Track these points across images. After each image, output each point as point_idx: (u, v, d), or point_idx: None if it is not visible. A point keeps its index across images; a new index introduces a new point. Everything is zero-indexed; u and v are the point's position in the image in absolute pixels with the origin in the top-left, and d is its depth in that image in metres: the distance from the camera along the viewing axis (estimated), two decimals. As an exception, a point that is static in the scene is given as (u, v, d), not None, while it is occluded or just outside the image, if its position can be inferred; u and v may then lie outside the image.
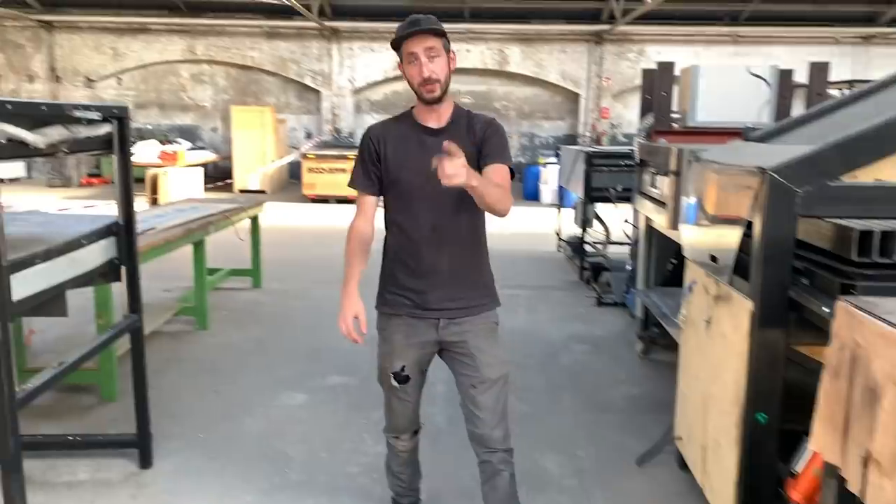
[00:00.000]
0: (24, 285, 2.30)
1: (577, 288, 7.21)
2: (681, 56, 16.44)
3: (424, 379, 2.60)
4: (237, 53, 17.21)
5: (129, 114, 3.02)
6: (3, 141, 2.21)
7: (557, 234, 9.03)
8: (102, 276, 2.95)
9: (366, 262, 2.51)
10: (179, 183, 12.17)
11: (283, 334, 5.47)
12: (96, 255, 2.83)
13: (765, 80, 5.15)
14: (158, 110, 17.73)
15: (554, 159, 15.34)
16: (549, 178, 14.57)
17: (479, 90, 17.74)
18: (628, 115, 17.61)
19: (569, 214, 8.73)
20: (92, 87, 17.45)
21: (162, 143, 15.06)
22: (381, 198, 2.48)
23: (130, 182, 3.07)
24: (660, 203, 4.24)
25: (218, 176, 16.81)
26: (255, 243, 6.81)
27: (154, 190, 11.57)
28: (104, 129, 2.87)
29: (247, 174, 14.87)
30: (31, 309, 2.47)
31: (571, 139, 17.47)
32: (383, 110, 17.10)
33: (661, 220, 4.23)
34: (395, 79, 16.96)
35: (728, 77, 5.26)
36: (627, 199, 6.86)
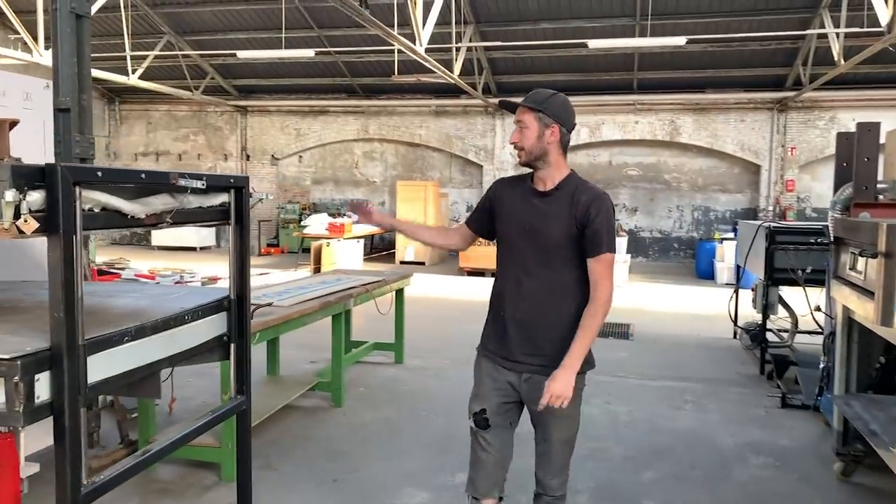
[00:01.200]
0: (108, 364, 2.12)
1: (757, 384, 6.21)
2: (887, 125, 14.76)
3: (511, 436, 2.65)
4: (406, 131, 17.91)
5: (248, 184, 2.89)
6: (97, 210, 2.08)
7: (733, 320, 8.00)
8: (209, 353, 2.77)
9: (423, 231, 3.04)
10: (342, 253, 12.55)
11: (416, 417, 5.10)
12: (202, 331, 2.65)
13: None
14: (333, 185, 18.78)
15: (731, 235, 14.13)
16: (726, 255, 13.36)
17: (648, 161, 16.97)
18: (818, 189, 15.93)
19: (747, 297, 7.73)
20: (276, 164, 18.93)
21: (332, 216, 15.80)
22: (478, 236, 2.83)
23: (246, 254, 2.91)
24: (864, 291, 3.41)
25: (384, 247, 17.33)
26: (398, 317, 6.62)
27: (318, 260, 11.99)
28: (219, 199, 2.73)
29: (405, 246, 15.11)
30: (117, 388, 2.30)
31: (752, 213, 16.06)
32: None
33: (865, 312, 3.39)
34: (559, 152, 16.69)
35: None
36: (818, 283, 5.90)
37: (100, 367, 2.08)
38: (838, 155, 4.96)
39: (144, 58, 15.15)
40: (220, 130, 19.22)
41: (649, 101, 16.20)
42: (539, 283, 2.50)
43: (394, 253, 15.71)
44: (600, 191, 2.52)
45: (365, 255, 14.80)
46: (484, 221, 2.74)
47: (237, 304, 2.87)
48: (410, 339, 7.25)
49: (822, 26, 12.34)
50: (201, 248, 18.12)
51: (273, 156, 18.92)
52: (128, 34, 14.06)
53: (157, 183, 2.32)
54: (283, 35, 14.18)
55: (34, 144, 3.56)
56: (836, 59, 11.85)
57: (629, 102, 16.31)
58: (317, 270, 11.49)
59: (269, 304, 4.25)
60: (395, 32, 10.43)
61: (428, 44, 11.50)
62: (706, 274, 13.97)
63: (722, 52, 14.44)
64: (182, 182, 2.37)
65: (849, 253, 3.72)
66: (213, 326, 2.75)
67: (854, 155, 4.32)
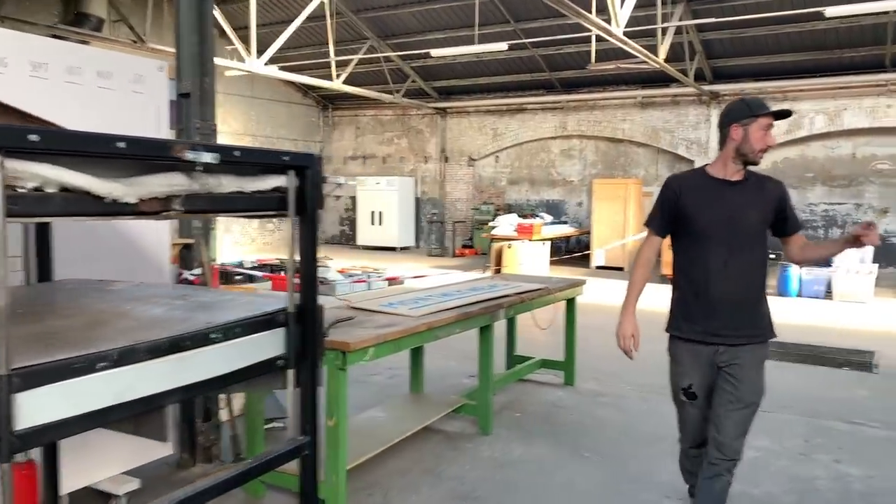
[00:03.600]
0: (63, 401, 1.57)
1: None
2: None
3: (710, 399, 2.90)
4: (607, 126, 16.67)
5: (319, 164, 2.24)
6: (51, 190, 1.54)
7: None
8: (255, 381, 2.17)
9: (645, 280, 3.04)
10: (527, 255, 11.79)
11: (575, 458, 4.19)
12: (238, 353, 2.05)
13: None
14: (529, 185, 18.09)
15: None
16: None
17: (904, 153, 14.08)
18: None
19: None
20: (473, 165, 18.69)
21: (525, 217, 15.12)
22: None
23: (313, 254, 2.27)
24: None
25: (579, 250, 16.28)
26: (570, 332, 5.71)
27: (498, 262, 11.37)
28: (272, 182, 2.12)
29: (599, 249, 13.95)
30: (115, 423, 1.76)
31: None
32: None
33: None
34: (790, 143, 14.47)
35: None
36: None
37: (47, 404, 1.53)
38: None
39: (349, 63, 15.63)
40: (421, 133, 19.44)
41: (906, 80, 13.39)
42: (748, 265, 2.88)
43: (589, 256, 14.61)
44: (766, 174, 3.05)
45: (556, 257, 13.86)
46: (671, 224, 2.98)
47: (299, 319, 2.24)
48: (588, 358, 6.31)
49: None
50: (402, 249, 18.41)
51: (470, 157, 18.70)
52: (332, 40, 14.58)
53: (153, 157, 1.75)
54: (477, 31, 13.76)
55: (144, 133, 3.26)
56: None
57: (880, 83, 13.58)
58: (497, 272, 10.85)
59: (349, 319, 3.55)
60: (593, 16, 9.46)
61: (629, 26, 10.36)
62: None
63: None
64: (190, 155, 1.77)
65: None
66: (260, 347, 2.14)
67: None
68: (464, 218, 18.40)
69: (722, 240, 2.83)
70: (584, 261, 14.62)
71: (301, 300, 2.26)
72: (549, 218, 15.71)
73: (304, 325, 2.25)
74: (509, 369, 5.68)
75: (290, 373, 2.24)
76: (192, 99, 3.75)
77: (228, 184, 1.98)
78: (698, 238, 2.87)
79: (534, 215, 15.71)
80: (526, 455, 4.20)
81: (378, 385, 5.59)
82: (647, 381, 5.83)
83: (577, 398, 5.39)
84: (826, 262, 11.48)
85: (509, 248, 11.75)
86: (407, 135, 19.67)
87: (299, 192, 2.19)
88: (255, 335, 2.12)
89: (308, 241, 2.25)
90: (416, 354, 4.85)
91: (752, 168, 2.91)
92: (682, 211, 2.89)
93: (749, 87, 14.66)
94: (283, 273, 10.02)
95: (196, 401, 3.67)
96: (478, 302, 4.30)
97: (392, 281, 10.57)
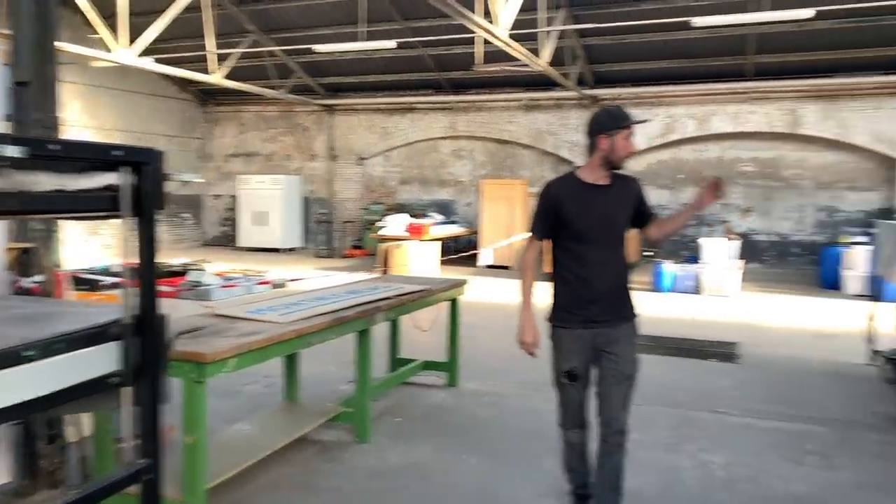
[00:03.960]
0: None
1: (904, 431, 4.82)
2: None
3: (588, 380, 3.24)
4: (495, 128, 16.92)
5: (159, 159, 2.04)
6: None
7: (869, 342, 6.52)
8: (80, 403, 1.95)
9: (533, 283, 3.31)
10: (417, 256, 11.76)
11: (454, 461, 4.15)
12: (61, 373, 1.83)
13: None
14: (420, 185, 18.07)
15: (862, 239, 12.23)
16: (856, 262, 11.53)
17: (765, 156, 15.12)
18: (972, 186, 13.61)
19: (889, 314, 6.24)
20: (362, 164, 18.46)
21: (415, 216, 15.09)
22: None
23: (152, 259, 2.06)
24: None
25: (470, 249, 16.43)
26: (453, 333, 5.68)
27: (386, 262, 11.26)
28: (102, 179, 1.90)
29: (487, 249, 14.13)
30: None
31: (886, 215, 13.91)
32: (646, 181, 15.37)
33: None
34: (663, 146, 15.24)
35: None
36: None
37: None
38: None
39: (230, 57, 14.99)
40: (307, 130, 18.97)
41: (766, 88, 14.37)
42: (618, 260, 3.27)
43: (476, 255, 14.76)
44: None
45: (445, 257, 13.92)
46: (552, 228, 3.21)
47: (139, 330, 2.03)
48: (474, 357, 6.34)
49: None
50: (287, 250, 17.89)
51: (359, 156, 18.45)
52: (212, 32, 13.93)
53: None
54: (364, 28, 13.57)
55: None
56: None
57: (743, 90, 14.56)
58: (385, 273, 10.74)
59: (198, 329, 3.31)
60: (476, 17, 9.52)
61: (513, 28, 10.52)
62: (831, 283, 12.15)
63: (852, 28, 12.52)
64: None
65: None
66: (88, 364, 1.92)
67: None
68: (353, 218, 18.13)
69: (599, 239, 3.16)
70: (473, 260, 14.77)
71: (140, 310, 2.05)
72: (439, 218, 15.75)
73: (144, 338, 2.06)
74: (392, 373, 5.58)
75: (127, 390, 2.03)
76: (32, 88, 3.40)
77: (47, 182, 1.76)
78: (579, 239, 3.15)
79: (424, 215, 15.71)
80: (405, 461, 4.12)
81: (251, 395, 5.33)
82: (528, 378, 5.89)
83: (460, 399, 5.37)
84: (695, 259, 12.18)
85: (398, 248, 11.64)
86: (293, 132, 19.15)
87: (136, 191, 1.99)
88: (83, 351, 1.90)
89: (146, 245, 2.05)
90: (291, 362, 4.65)
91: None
92: (562, 216, 3.15)
93: (628, 91, 15.32)
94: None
95: (36, 422, 3.32)
96: (355, 305, 4.17)
97: (271, 284, 10.21)
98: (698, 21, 10.80)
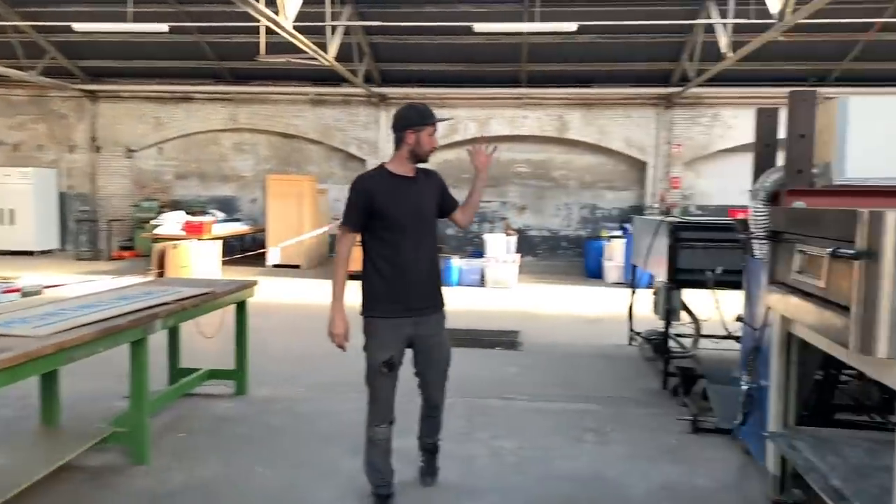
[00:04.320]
0: None
1: (662, 403, 5.41)
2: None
3: (399, 370, 3.39)
4: (280, 121, 16.37)
5: None
6: None
7: (630, 327, 7.27)
8: None
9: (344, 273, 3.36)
10: (197, 256, 10.96)
11: (247, 476, 3.87)
12: None
13: (953, 115, 3.48)
14: (199, 180, 16.92)
15: (619, 233, 13.70)
16: (614, 253, 12.88)
17: (538, 158, 16.34)
18: (702, 186, 15.85)
19: (644, 299, 7.01)
20: (132, 156, 16.85)
21: (194, 214, 14.09)
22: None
23: None
24: (825, 302, 2.54)
25: (256, 248, 15.72)
26: (240, 338, 5.33)
27: (161, 264, 10.38)
28: None
29: (274, 248, 13.63)
30: None
31: (638, 211, 15.75)
32: (432, 180, 15.82)
33: (828, 330, 2.52)
34: (448, 147, 15.80)
35: (889, 115, 3.60)
36: (731, 285, 5.18)
37: None
38: (759, 135, 4.19)
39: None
40: (65, 118, 16.85)
41: (537, 94, 15.55)
42: (431, 249, 3.45)
43: (264, 254, 14.16)
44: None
45: (229, 257, 13.16)
46: (366, 220, 3.29)
47: None
48: (264, 362, 6.02)
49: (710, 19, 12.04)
50: (42, 253, 15.79)
51: (128, 147, 16.80)
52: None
53: None
54: (131, 8, 12.32)
55: None
56: (723, 52, 11.55)
57: (518, 96, 15.60)
58: (160, 276, 9.88)
59: None
60: (261, 5, 9.06)
61: (299, 20, 10.21)
62: (595, 273, 13.45)
63: (609, 44, 13.97)
64: None
65: (796, 252, 2.85)
66: None
67: (791, 131, 3.50)
68: (122, 216, 16.44)
69: (412, 229, 3.30)
70: (260, 260, 14.14)
71: None
72: (221, 215, 14.89)
73: None
74: (173, 385, 5.10)
75: None
76: None
77: None
78: (392, 230, 3.27)
79: (204, 212, 14.75)
80: (191, 481, 3.76)
81: (3, 421, 4.56)
82: (321, 380, 5.76)
83: (250, 408, 5.05)
84: (480, 254, 12.80)
85: (175, 248, 10.75)
86: (46, 119, 16.90)
87: None
88: None
89: None
90: (48, 380, 4.02)
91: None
92: (375, 208, 3.25)
93: (414, 91, 15.64)
94: None
95: None
96: (128, 313, 3.71)
97: (20, 292, 8.89)
98: (479, 27, 11.32)
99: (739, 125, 15.16)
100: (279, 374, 5.91)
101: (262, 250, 14.33)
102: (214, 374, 5.31)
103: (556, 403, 5.36)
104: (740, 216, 10.19)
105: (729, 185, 15.53)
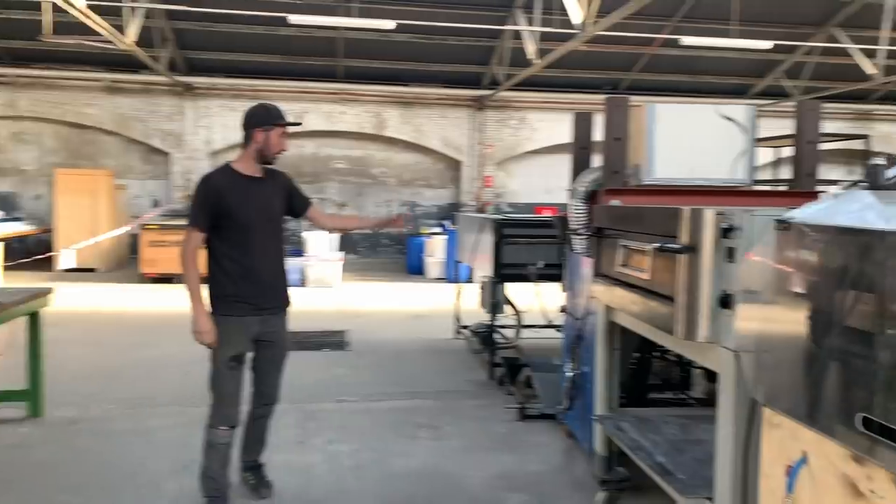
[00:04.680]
0: None
1: (490, 393, 5.61)
2: (562, 126, 15.91)
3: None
4: (70, 110, 14.72)
5: None
6: None
7: (457, 320, 7.46)
8: None
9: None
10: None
11: (51, 509, 3.41)
12: None
13: (738, 123, 3.93)
14: (-31, 175, 14.77)
15: (438, 229, 14.03)
16: (435, 250, 13.17)
17: (356, 155, 16.26)
18: (512, 185, 16.73)
19: (468, 293, 7.22)
20: None
21: (-36, 212, 12.25)
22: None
23: None
24: (649, 293, 2.75)
25: (43, 251, 13.99)
26: (34, 353, 4.69)
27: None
28: None
29: (67, 250, 12.24)
30: None
31: (454, 208, 16.26)
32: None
33: (654, 320, 2.73)
34: (260, 141, 15.15)
35: (692, 121, 3.99)
36: (551, 278, 5.48)
37: None
38: (576, 138, 4.46)
39: None
40: None
41: (355, 90, 15.45)
42: (278, 249, 3.45)
43: (52, 258, 12.63)
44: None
45: (11, 262, 11.58)
46: (212, 219, 3.23)
47: None
48: (65, 378, 5.40)
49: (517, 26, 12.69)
50: None
51: None
52: None
53: None
54: None
55: None
56: (531, 58, 12.23)
57: (335, 91, 15.39)
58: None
59: None
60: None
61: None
62: (416, 269, 13.66)
63: (425, 44, 14.25)
64: None
65: (619, 247, 3.06)
66: None
67: (608, 134, 3.75)
68: None
69: (259, 230, 3.29)
70: (49, 263, 12.61)
71: None
72: (-1, 214, 13.08)
73: None
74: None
75: None
76: None
77: None
78: (241, 229, 3.24)
79: (-24, 211, 12.87)
80: (-23, 523, 3.23)
81: None
82: (130, 395, 5.26)
83: (49, 432, 4.45)
84: (300, 252, 12.45)
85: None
86: None
87: None
88: None
89: None
90: None
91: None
92: (223, 207, 3.21)
93: (224, 82, 14.86)
94: None
95: None
96: None
97: None
98: (295, 19, 10.98)
99: (544, 128, 16.21)
100: (83, 391, 5.30)
101: (50, 253, 12.79)
102: (3, 397, 4.62)
103: (389, 402, 5.34)
104: (546, 213, 10.84)
105: (535, 184, 16.57)
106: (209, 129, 15.24)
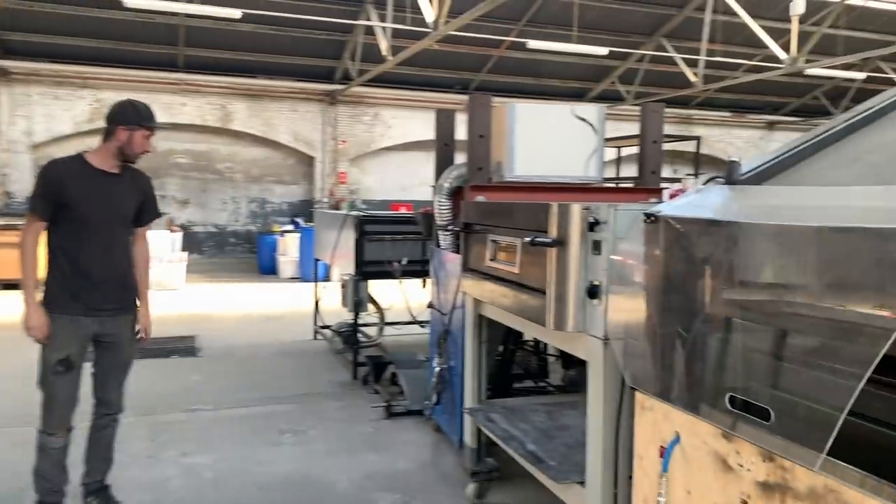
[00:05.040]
0: None
1: (354, 393, 5.52)
2: (416, 123, 16.10)
3: (81, 372, 3.17)
4: None
5: None
6: None
7: (316, 318, 7.27)
8: None
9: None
10: None
11: None
12: None
13: (591, 123, 4.14)
14: None
15: (291, 227, 13.65)
16: (288, 248, 12.78)
17: (199, 149, 15.42)
18: (367, 181, 16.65)
19: (328, 292, 7.06)
20: None
21: None
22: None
23: None
24: (517, 286, 2.81)
25: None
26: None
27: None
28: None
29: None
30: None
31: (308, 205, 15.91)
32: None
33: (525, 312, 2.80)
34: (90, 133, 13.94)
35: (550, 121, 4.15)
36: (414, 275, 5.50)
37: None
38: (439, 135, 4.49)
39: None
40: None
41: (198, 81, 14.65)
42: (121, 248, 3.26)
43: None
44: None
45: None
46: (54, 209, 3.06)
47: None
48: None
49: (370, 21, 12.61)
50: None
51: None
52: None
53: None
54: None
55: None
56: (383, 54, 12.20)
57: (175, 81, 14.48)
58: None
59: None
60: None
61: None
62: (269, 269, 13.20)
63: (274, 35, 13.78)
64: None
65: (489, 242, 3.11)
66: None
67: (472, 131, 3.80)
68: None
69: (104, 227, 3.14)
70: None
71: None
72: None
73: None
74: None
75: None
76: None
77: None
78: (81, 223, 3.08)
79: None
80: None
81: None
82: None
83: None
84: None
85: None
86: None
87: None
88: None
89: None
90: None
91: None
92: (66, 198, 3.04)
93: (48, 68, 13.54)
94: None
95: None
96: None
97: None
98: (130, 2, 10.20)
99: (398, 125, 16.27)
100: None
101: None
102: None
103: (248, 408, 5.10)
104: (402, 210, 10.88)
105: (391, 181, 16.60)
106: (29, 120, 13.80)
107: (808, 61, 12.23)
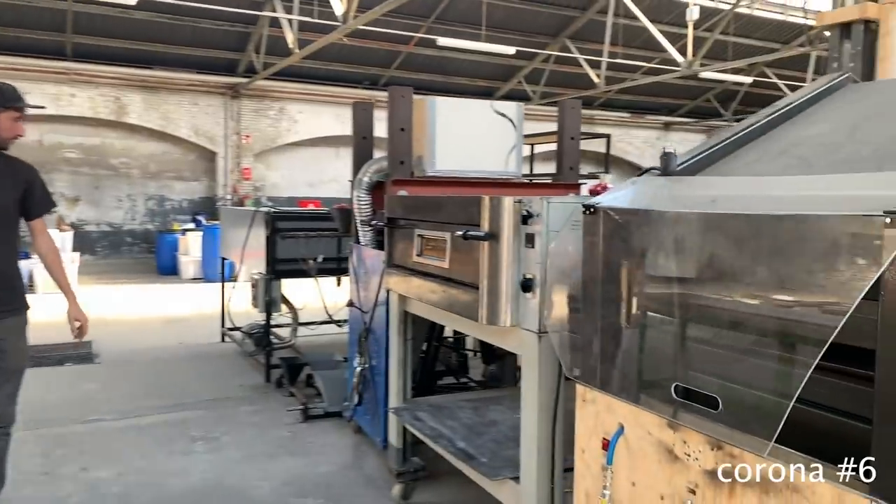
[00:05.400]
0: None
1: (268, 396, 5.31)
2: (324, 119, 15.79)
3: None
4: None
5: None
6: None
7: (223, 320, 6.97)
8: None
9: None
10: None
11: None
12: None
13: (511, 120, 4.15)
14: None
15: (193, 225, 13.08)
16: (190, 247, 12.23)
17: (91, 143, 14.50)
18: (272, 177, 16.18)
19: (235, 292, 6.77)
20: None
21: None
22: None
23: None
24: (447, 281, 2.76)
25: None
26: None
27: None
28: None
29: None
30: None
31: (210, 202, 15.29)
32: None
33: (456, 307, 2.75)
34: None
35: (469, 116, 4.13)
36: (330, 272, 5.36)
37: None
38: (356, 129, 4.38)
39: None
40: None
41: (88, 71, 13.76)
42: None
43: None
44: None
45: None
46: None
47: None
48: None
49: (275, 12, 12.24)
50: None
51: None
52: None
53: None
54: None
55: None
56: (290, 47, 11.87)
57: (63, 70, 13.54)
58: None
59: None
60: None
61: None
62: (169, 269, 12.58)
63: (172, 25, 13.15)
64: None
65: (416, 237, 3.04)
66: None
67: (393, 125, 3.72)
68: None
69: None
70: None
71: None
72: None
73: None
74: None
75: None
76: None
77: None
78: None
79: None
80: None
81: None
82: None
83: None
84: (25, 254, 10.75)
85: None
86: None
87: None
88: None
89: None
90: None
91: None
92: None
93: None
94: None
95: None
96: None
97: None
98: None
99: (305, 120, 15.90)
100: None
101: None
102: None
103: (154, 416, 4.81)
104: (311, 207, 10.61)
105: (297, 178, 16.21)
106: None
107: (702, 65, 12.88)
